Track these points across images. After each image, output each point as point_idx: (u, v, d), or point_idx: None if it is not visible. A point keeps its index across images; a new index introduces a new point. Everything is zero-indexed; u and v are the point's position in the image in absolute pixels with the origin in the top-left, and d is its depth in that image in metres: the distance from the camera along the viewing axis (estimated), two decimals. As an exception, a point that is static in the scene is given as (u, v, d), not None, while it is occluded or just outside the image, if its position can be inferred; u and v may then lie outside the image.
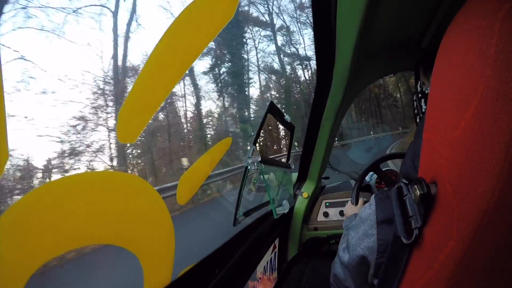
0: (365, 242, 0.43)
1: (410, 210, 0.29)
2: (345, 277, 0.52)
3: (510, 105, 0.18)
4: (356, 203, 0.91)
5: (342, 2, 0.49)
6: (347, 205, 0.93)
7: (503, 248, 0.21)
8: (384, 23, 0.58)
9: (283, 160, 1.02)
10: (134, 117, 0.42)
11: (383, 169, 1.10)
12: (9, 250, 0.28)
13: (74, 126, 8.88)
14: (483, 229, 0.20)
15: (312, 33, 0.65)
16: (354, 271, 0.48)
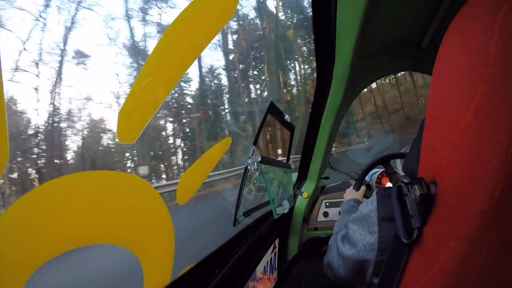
0: (368, 238, 0.43)
1: (410, 210, 0.29)
2: (338, 266, 0.52)
3: (510, 105, 0.18)
4: (358, 190, 0.91)
5: (342, 2, 0.49)
6: (348, 190, 0.94)
7: (504, 248, 0.21)
8: (384, 23, 0.58)
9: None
10: (134, 117, 0.42)
11: (384, 169, 1.10)
12: (9, 250, 0.28)
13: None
14: (483, 229, 0.20)
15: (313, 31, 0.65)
16: (350, 266, 0.48)
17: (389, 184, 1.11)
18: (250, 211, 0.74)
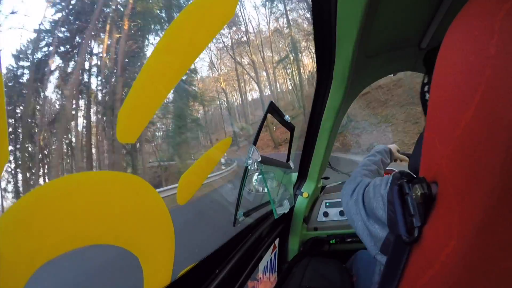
0: (379, 213, 0.43)
1: (411, 209, 0.29)
2: (355, 217, 0.51)
3: (510, 104, 0.18)
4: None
5: (342, 2, 0.49)
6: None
7: (504, 247, 0.21)
8: (384, 23, 0.58)
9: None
10: (134, 117, 0.42)
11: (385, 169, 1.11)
12: (9, 250, 0.28)
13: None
14: (484, 228, 0.21)
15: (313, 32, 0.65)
16: (364, 223, 0.48)
17: None
18: (250, 211, 0.74)
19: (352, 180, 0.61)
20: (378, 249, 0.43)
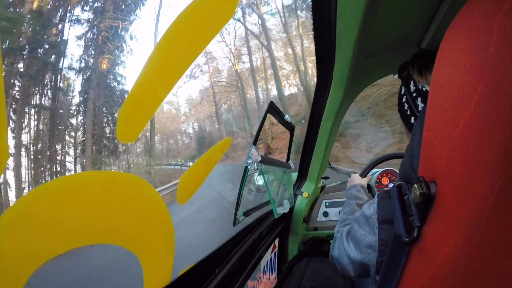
0: (368, 239, 0.44)
1: (410, 209, 0.29)
2: (347, 266, 0.52)
3: (509, 104, 0.18)
4: (364, 177, 0.93)
5: (342, 2, 0.49)
6: (354, 175, 0.92)
7: (503, 247, 0.21)
8: (384, 23, 0.58)
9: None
10: (134, 117, 0.42)
11: (384, 169, 1.11)
12: (9, 249, 0.28)
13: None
14: (483, 228, 0.21)
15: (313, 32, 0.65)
16: (356, 266, 0.49)
17: (389, 185, 1.12)
18: (250, 211, 0.74)
19: (334, 240, 0.62)
20: (372, 275, 0.45)
